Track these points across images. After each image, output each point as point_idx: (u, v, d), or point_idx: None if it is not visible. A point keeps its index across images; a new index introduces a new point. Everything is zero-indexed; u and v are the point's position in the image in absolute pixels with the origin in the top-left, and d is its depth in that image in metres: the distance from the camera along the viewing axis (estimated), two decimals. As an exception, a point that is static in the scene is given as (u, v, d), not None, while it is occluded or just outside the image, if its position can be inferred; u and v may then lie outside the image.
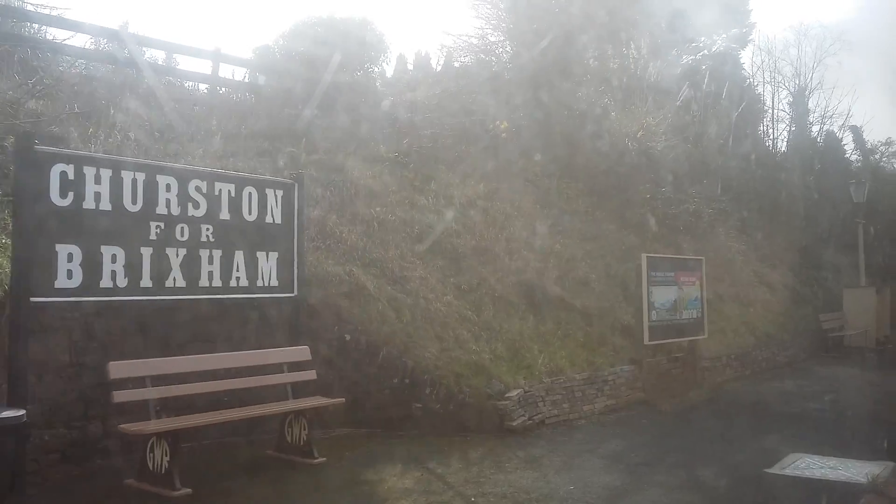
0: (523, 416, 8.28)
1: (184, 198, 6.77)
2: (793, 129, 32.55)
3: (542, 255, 11.73)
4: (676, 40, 26.56)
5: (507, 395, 8.27)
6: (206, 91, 12.14)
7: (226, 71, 12.81)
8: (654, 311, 10.45)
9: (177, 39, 22.70)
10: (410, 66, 23.13)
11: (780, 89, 33.32)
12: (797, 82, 33.24)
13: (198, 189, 6.90)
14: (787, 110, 32.56)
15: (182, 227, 6.71)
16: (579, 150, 16.81)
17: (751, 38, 31.44)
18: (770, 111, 32.55)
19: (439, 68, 21.81)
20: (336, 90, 12.66)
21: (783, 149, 31.20)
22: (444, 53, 21.42)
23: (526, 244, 11.75)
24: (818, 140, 31.06)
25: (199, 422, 6.19)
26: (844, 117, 29.81)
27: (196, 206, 6.86)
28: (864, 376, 13.17)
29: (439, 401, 8.28)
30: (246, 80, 12.88)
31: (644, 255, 10.44)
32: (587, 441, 7.89)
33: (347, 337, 8.42)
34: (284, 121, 11.37)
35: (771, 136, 31.82)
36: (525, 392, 8.50)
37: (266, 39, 25.14)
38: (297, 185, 7.87)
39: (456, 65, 21.16)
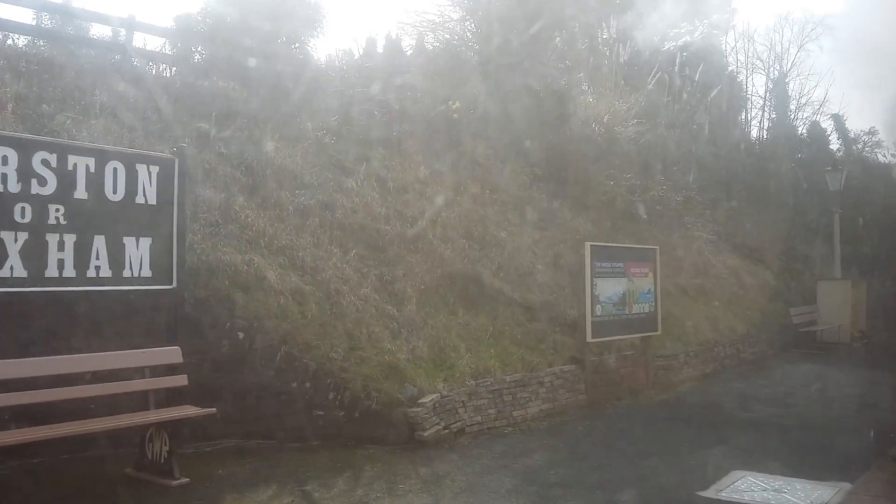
0: (438, 424, 7.33)
1: (26, 173, 5.73)
2: (773, 116, 31.77)
3: (483, 244, 10.77)
4: (654, 24, 25.58)
5: (419, 402, 7.32)
6: (117, 61, 11.02)
7: (143, 41, 11.76)
8: (598, 306, 9.51)
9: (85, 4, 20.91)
10: (380, 49, 21.98)
11: (761, 76, 32.52)
12: (777, 68, 32.44)
13: (45, 163, 5.87)
14: (767, 97, 31.80)
15: (22, 207, 5.68)
16: (540, 133, 15.83)
17: (733, 24, 30.48)
18: (751, 98, 31.83)
19: (410, 51, 20.68)
20: (265, 63, 11.62)
21: (763, 136, 30.45)
22: (415, 36, 20.39)
23: (466, 232, 10.78)
24: (799, 128, 30.31)
25: (20, 438, 5.17)
26: (820, 104, 28.88)
27: (42, 182, 5.83)
28: (834, 375, 12.32)
29: (343, 408, 7.32)
30: (167, 50, 11.77)
31: (587, 244, 9.49)
32: (506, 454, 6.96)
33: (241, 335, 7.43)
34: (201, 95, 10.30)
35: (752, 124, 31.08)
36: (442, 397, 7.54)
37: (189, 6, 23.94)
38: (177, 160, 6.84)
39: (429, 47, 20.19)
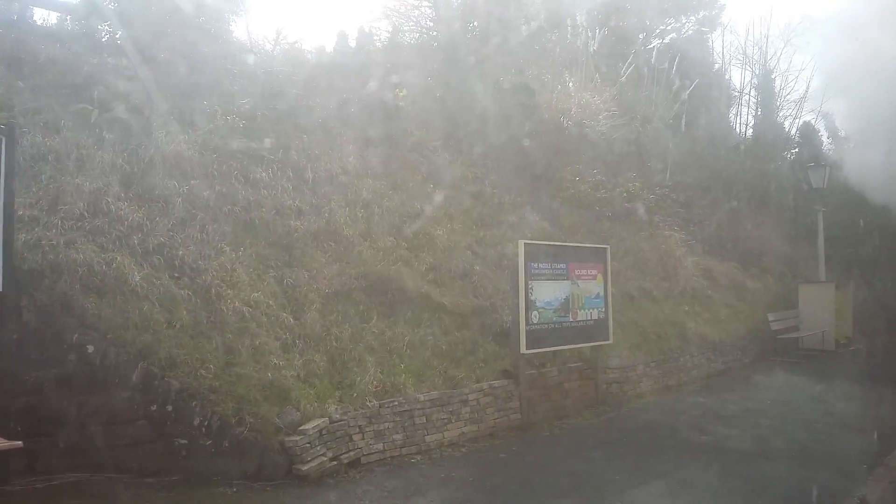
0: (323, 455, 6.15)
1: None
2: (758, 113, 30.66)
3: (414, 243, 9.60)
4: (636, 17, 24.50)
5: (301, 428, 6.13)
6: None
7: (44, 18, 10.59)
8: (534, 312, 8.33)
9: None
10: (353, 43, 20.75)
11: (747, 72, 31.42)
12: (763, 64, 31.36)
13: None
14: (752, 94, 30.69)
15: None
16: (500, 125, 14.66)
17: (720, 20, 29.36)
18: (738, 95, 30.73)
19: (380, 45, 19.48)
20: (178, 41, 10.44)
21: (748, 134, 29.30)
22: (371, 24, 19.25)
23: (395, 229, 9.61)
24: (786, 126, 29.23)
25: None
26: (801, 98, 27.74)
27: None
28: (811, 388, 11.15)
29: (211, 435, 6.13)
30: (70, 27, 10.59)
31: (521, 242, 8.31)
32: (398, 491, 5.79)
33: (90, 348, 6.23)
34: (91, 74, 9.10)
35: (739, 122, 29.94)
36: (332, 422, 6.36)
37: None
38: (3, 139, 5.67)
39: (384, 34, 19.07)
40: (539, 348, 8.44)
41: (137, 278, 6.65)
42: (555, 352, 9.10)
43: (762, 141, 25.51)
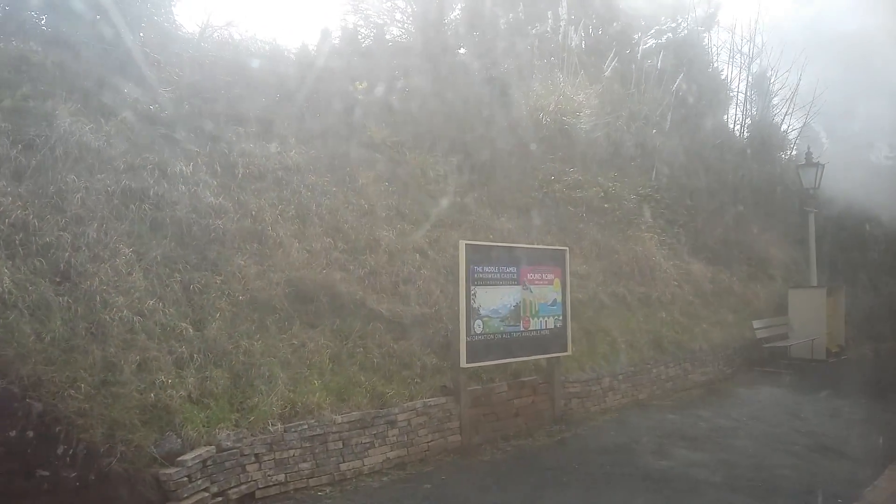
0: (205, 490, 5.30)
1: None
2: (753, 112, 29.74)
3: (354, 244, 8.76)
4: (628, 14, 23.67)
5: (180, 458, 5.27)
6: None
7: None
8: (478, 321, 7.47)
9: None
10: (336, 41, 19.95)
11: (742, 70, 30.54)
12: (759, 62, 30.48)
13: None
14: (747, 93, 29.77)
15: None
16: (470, 121, 13.84)
17: (717, 19, 28.46)
18: (734, 95, 29.82)
19: (366, 42, 18.69)
20: (107, 27, 9.61)
21: (744, 134, 28.37)
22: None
23: (334, 229, 8.77)
24: (783, 126, 28.33)
25: None
26: (792, 94, 26.77)
27: None
28: (795, 403, 10.28)
29: (76, 466, 5.27)
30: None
31: (462, 243, 7.46)
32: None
33: (-61, 365, 5.37)
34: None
35: (732, 121, 29.00)
36: (220, 450, 5.52)
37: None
38: None
39: (372, 33, 18.26)
40: (483, 361, 7.58)
41: (7, 283, 5.80)
42: (506, 365, 8.25)
43: (756, 140, 24.61)
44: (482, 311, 7.54)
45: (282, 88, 10.97)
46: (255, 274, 7.35)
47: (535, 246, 9.25)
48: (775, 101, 30.63)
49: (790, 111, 20.59)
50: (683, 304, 13.38)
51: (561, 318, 8.60)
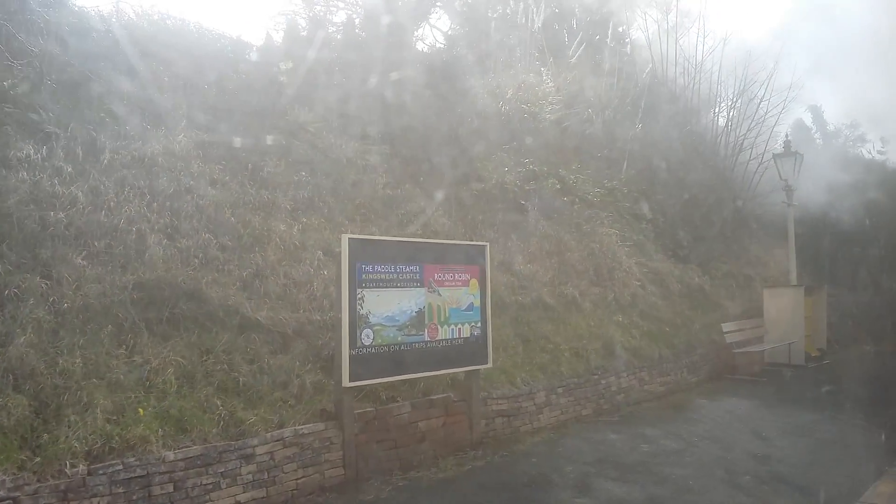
0: (-49, 558, 4.04)
1: None
2: (738, 104, 28.58)
3: (241, 241, 7.53)
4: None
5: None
6: None
7: None
8: (366, 331, 6.25)
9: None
10: (304, 33, 18.79)
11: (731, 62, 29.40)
12: (746, 53, 29.30)
13: None
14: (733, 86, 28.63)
15: None
16: (413, 107, 12.64)
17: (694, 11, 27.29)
18: (720, 88, 28.68)
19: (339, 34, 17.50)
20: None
21: (729, 127, 27.22)
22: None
23: (217, 223, 7.53)
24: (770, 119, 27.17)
25: None
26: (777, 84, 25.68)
27: None
28: (763, 419, 9.09)
29: None
30: None
31: (345, 238, 6.24)
32: None
33: None
34: None
35: (714, 113, 27.85)
36: (-17, 504, 4.26)
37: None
38: None
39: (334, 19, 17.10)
40: (373, 379, 6.35)
41: None
42: (414, 380, 7.04)
43: (738, 132, 23.45)
44: (372, 319, 6.32)
45: (183, 68, 9.74)
46: (95, 276, 6.12)
47: (446, 241, 8.03)
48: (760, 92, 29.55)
49: (779, 104, 19.38)
50: (645, 306, 12.18)
51: (479, 324, 7.38)
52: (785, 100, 17.38)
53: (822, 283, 16.16)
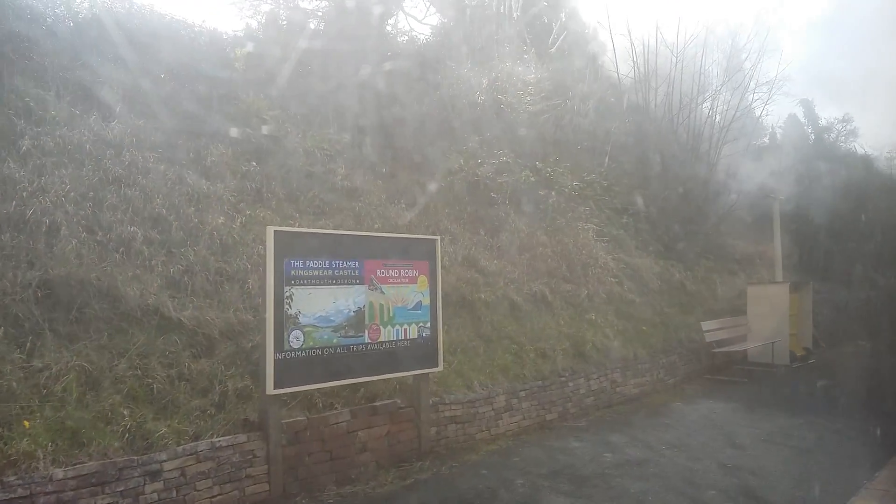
0: None
1: None
2: (722, 91, 27.99)
3: (172, 235, 6.96)
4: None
5: None
6: None
7: None
8: (296, 332, 5.70)
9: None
10: (284, 22, 18.16)
11: (714, 52, 28.88)
12: (731, 43, 28.81)
13: None
14: (722, 78, 28.11)
15: None
16: (381, 95, 12.09)
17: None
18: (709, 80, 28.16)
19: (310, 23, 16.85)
20: None
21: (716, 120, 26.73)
22: None
23: (147, 215, 6.95)
24: (758, 112, 26.67)
25: None
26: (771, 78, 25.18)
27: None
28: (739, 424, 8.57)
29: None
30: None
31: (270, 230, 5.67)
32: None
33: None
34: None
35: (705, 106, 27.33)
36: None
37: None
38: None
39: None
40: (303, 385, 5.80)
41: None
42: (356, 385, 6.49)
43: (730, 126, 22.94)
44: (303, 320, 5.76)
45: (131, 53, 9.14)
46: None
47: (391, 234, 7.44)
48: (752, 84, 29.04)
49: (770, 98, 18.85)
50: (622, 303, 11.65)
51: (428, 325, 6.83)
52: (770, 87, 16.79)
53: (808, 279, 15.63)
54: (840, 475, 6.32)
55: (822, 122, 31.27)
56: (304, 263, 5.81)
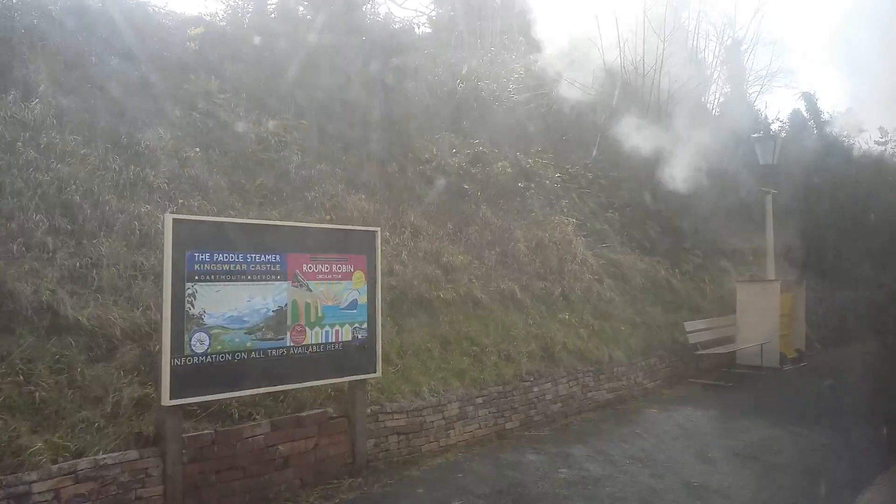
0: None
1: None
2: (726, 90, 27.26)
3: (84, 227, 6.32)
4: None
5: None
6: None
7: None
8: (200, 334, 5.04)
9: None
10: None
11: (713, 44, 28.12)
12: (731, 34, 28.05)
13: None
14: (720, 70, 27.31)
15: None
16: (350, 80, 11.45)
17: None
18: (711, 73, 27.36)
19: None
20: None
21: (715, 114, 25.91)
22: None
23: (50, 202, 6.33)
24: (755, 103, 25.85)
25: None
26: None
27: None
28: (713, 435, 7.92)
29: None
30: None
31: (169, 217, 5.01)
32: None
33: None
34: None
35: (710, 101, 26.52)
36: None
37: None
38: None
39: None
40: (207, 394, 5.14)
41: None
42: (282, 392, 5.84)
43: (726, 118, 22.09)
44: (209, 320, 5.10)
45: (59, 28, 8.48)
46: None
47: (320, 225, 6.73)
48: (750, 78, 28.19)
49: (766, 88, 18.07)
50: (600, 302, 10.96)
51: (365, 325, 6.16)
52: (764, 76, 16.02)
53: (804, 277, 14.90)
54: (817, 499, 5.64)
55: (825, 116, 30.44)
56: (211, 257, 5.15)
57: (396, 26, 14.77)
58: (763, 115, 24.19)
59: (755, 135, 14.47)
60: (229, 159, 8.61)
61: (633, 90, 17.59)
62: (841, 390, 10.45)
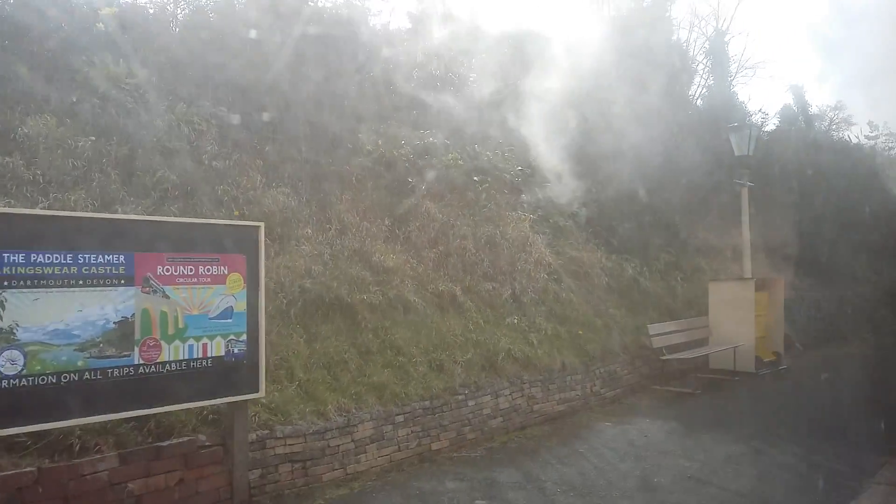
0: None
1: None
2: (710, 81, 26.42)
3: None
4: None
5: None
6: None
7: None
8: (10, 352, 4.13)
9: None
10: None
11: (697, 34, 27.36)
12: (715, 24, 27.28)
13: None
14: (704, 60, 26.48)
15: None
16: (280, 65, 10.53)
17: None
18: (694, 64, 26.54)
19: None
20: None
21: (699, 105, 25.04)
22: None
23: None
24: (738, 94, 25.10)
25: None
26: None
27: None
28: (667, 454, 7.00)
29: None
30: None
31: (-38, 212, 4.07)
32: None
33: None
34: None
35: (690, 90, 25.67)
36: None
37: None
38: None
39: None
40: (20, 425, 4.22)
41: None
42: (147, 418, 4.92)
43: (710, 111, 21.21)
44: (22, 335, 4.19)
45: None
46: None
47: (184, 219, 5.76)
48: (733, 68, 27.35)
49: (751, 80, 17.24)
50: (556, 303, 10.06)
51: (244, 337, 5.24)
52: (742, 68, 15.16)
53: (783, 275, 14.03)
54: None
55: (814, 110, 29.66)
56: (26, 257, 4.23)
57: (344, 11, 13.78)
58: (744, 107, 23.50)
59: (731, 125, 13.55)
60: (128, 149, 7.69)
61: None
62: (818, 398, 9.59)
